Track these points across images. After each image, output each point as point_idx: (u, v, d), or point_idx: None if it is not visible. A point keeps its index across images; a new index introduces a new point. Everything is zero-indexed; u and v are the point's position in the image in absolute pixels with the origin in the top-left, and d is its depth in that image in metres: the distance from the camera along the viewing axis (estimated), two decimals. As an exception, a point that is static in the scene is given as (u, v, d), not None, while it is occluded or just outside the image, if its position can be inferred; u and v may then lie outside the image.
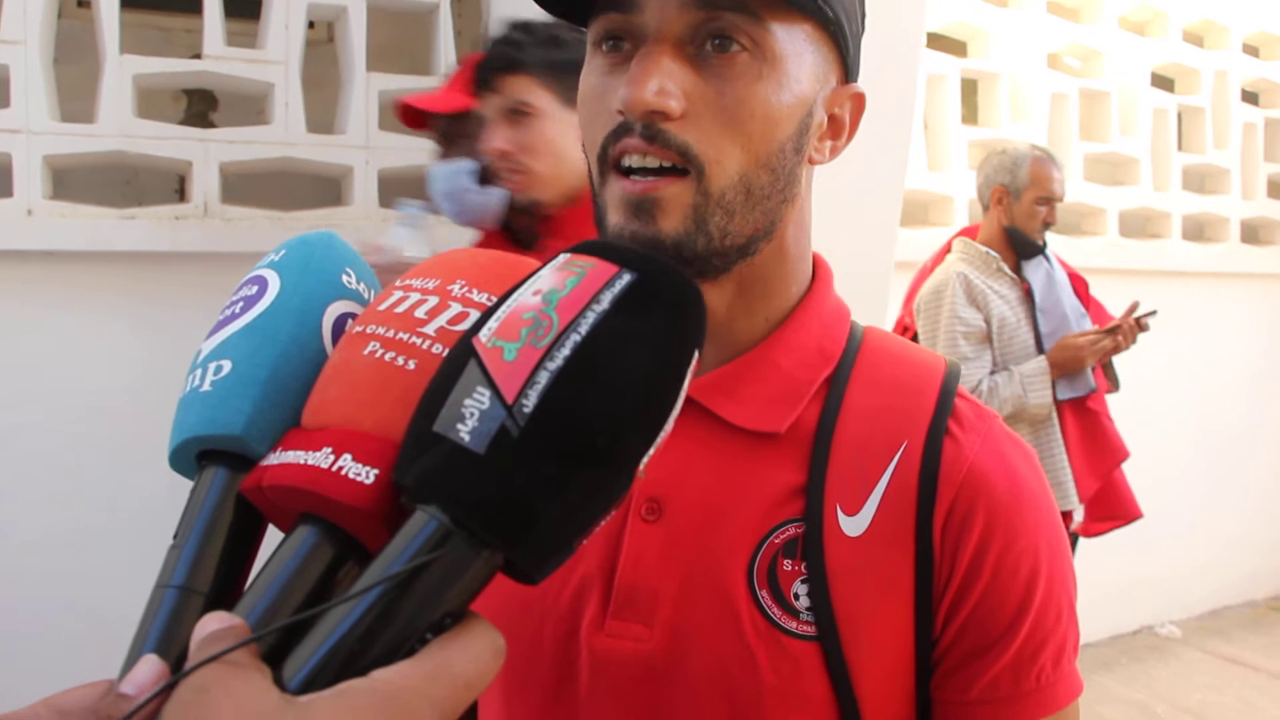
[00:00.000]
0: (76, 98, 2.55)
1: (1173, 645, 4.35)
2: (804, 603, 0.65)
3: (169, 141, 2.51)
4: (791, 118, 0.66)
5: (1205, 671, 4.08)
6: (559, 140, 1.65)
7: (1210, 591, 4.73)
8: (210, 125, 2.85)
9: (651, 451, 0.44)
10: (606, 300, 0.44)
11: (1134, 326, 2.78)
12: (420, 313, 0.49)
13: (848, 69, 0.71)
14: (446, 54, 2.80)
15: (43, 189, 2.39)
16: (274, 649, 0.41)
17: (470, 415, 0.42)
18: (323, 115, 2.75)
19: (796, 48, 0.65)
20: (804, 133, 0.68)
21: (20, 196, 2.36)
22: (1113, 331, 2.76)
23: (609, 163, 0.66)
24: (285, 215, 2.60)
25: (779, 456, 0.69)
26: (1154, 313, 2.81)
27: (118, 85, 2.45)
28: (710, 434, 0.69)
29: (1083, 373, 2.78)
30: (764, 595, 0.66)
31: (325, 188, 2.88)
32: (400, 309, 0.50)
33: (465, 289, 0.50)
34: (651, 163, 0.63)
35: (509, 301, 0.46)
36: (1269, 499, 4.89)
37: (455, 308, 0.49)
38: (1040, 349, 2.80)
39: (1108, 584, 3.98)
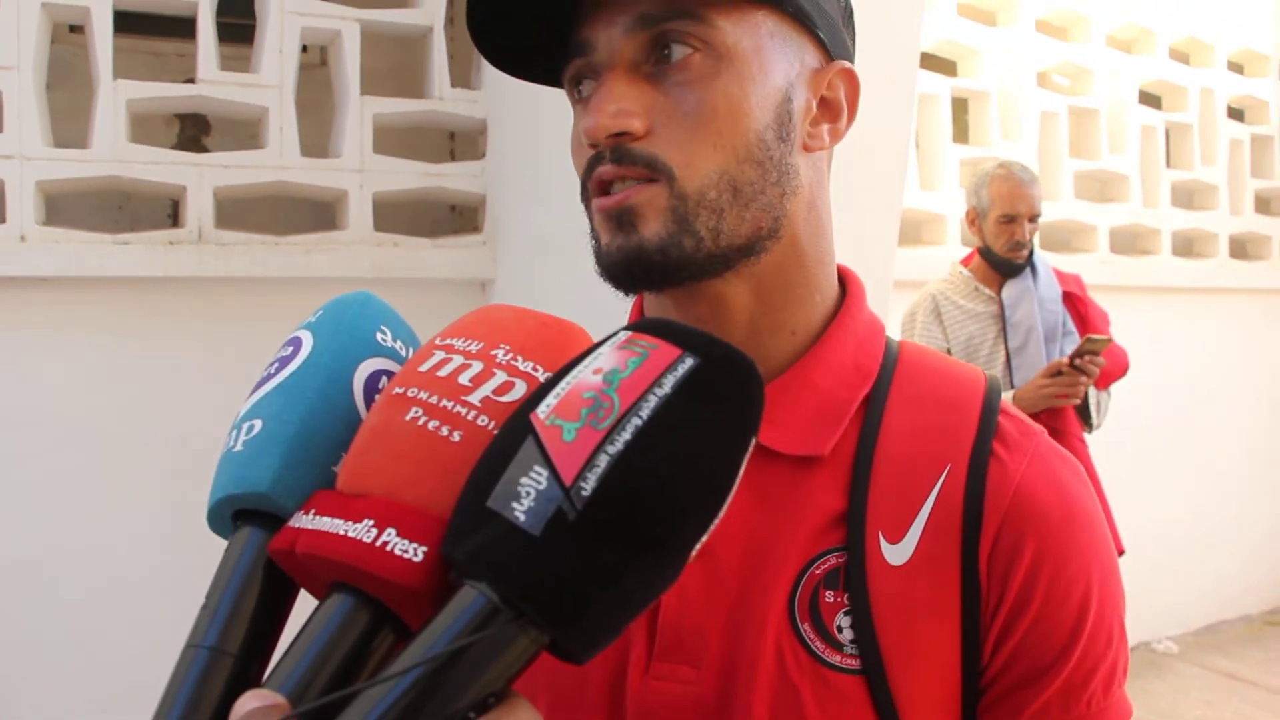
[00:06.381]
0: (69, 123, 2.54)
1: (1170, 661, 4.35)
2: (847, 635, 0.63)
3: (162, 166, 2.51)
4: (762, 106, 0.64)
5: (1203, 687, 4.08)
6: None
7: (1206, 607, 4.73)
8: (203, 150, 2.84)
9: (705, 537, 0.44)
10: (669, 385, 0.43)
11: (1074, 373, 2.65)
12: (464, 379, 0.48)
13: (829, 48, 0.69)
14: (440, 77, 2.81)
15: (35, 214, 2.38)
16: None
17: (526, 494, 0.41)
18: (317, 139, 2.75)
19: (754, 38, 0.64)
20: (785, 120, 0.66)
21: (13, 222, 2.34)
22: (1058, 375, 2.66)
23: (591, 195, 0.66)
24: (280, 240, 2.59)
25: (819, 481, 0.67)
26: (1097, 345, 2.64)
27: (111, 110, 2.44)
28: (751, 463, 0.67)
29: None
30: (806, 629, 0.64)
31: (320, 212, 2.88)
32: (442, 373, 0.49)
33: (510, 355, 0.50)
34: (628, 184, 0.63)
35: (568, 378, 0.45)
36: (1262, 514, 4.90)
37: (500, 376, 0.49)
38: (1010, 366, 2.80)
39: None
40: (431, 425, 0.47)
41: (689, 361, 0.44)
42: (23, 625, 2.35)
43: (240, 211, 2.74)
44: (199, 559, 0.50)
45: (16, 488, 2.36)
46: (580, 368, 0.46)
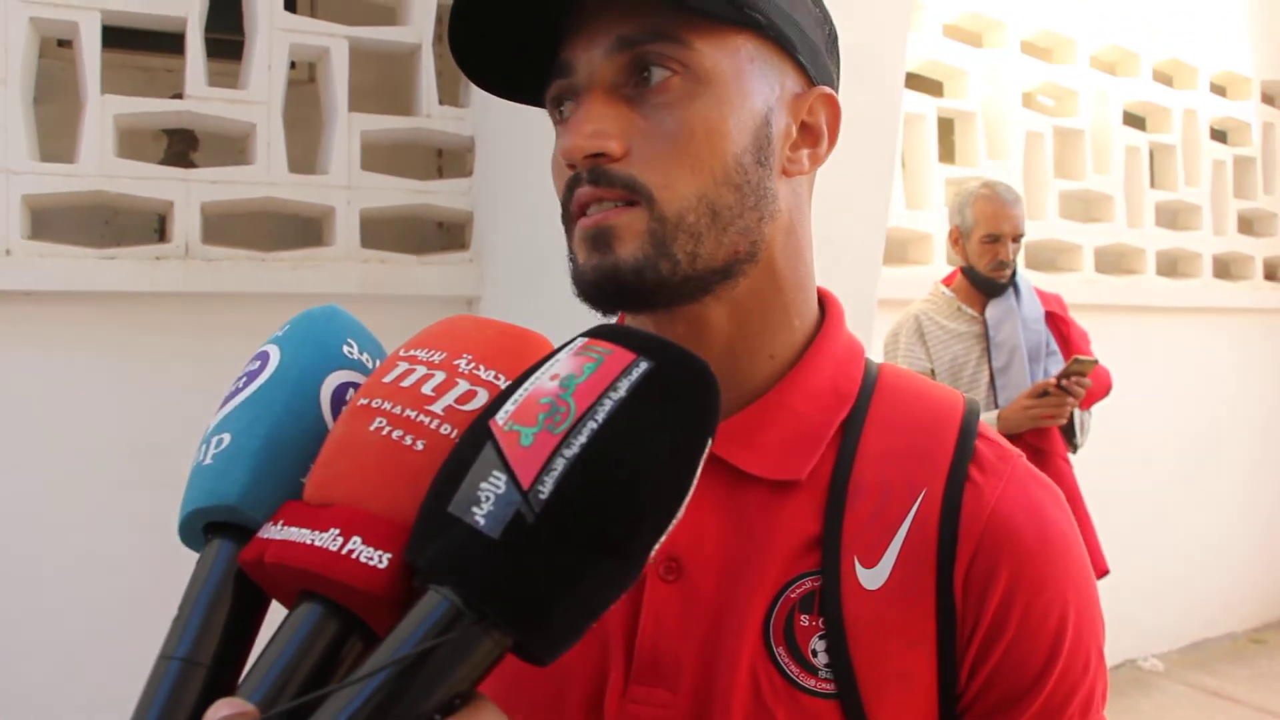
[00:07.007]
0: (56, 137, 2.54)
1: (1156, 679, 4.35)
2: (822, 659, 0.63)
3: (150, 181, 2.51)
4: (741, 129, 0.64)
5: (1188, 705, 4.08)
6: None
7: (1192, 625, 4.74)
8: (191, 165, 2.84)
9: (663, 539, 0.45)
10: (624, 388, 0.44)
11: (1060, 394, 2.64)
12: (427, 389, 0.49)
13: (810, 73, 0.69)
14: (428, 94, 2.81)
15: (22, 229, 2.37)
16: None
17: (486, 499, 0.42)
18: (304, 155, 2.75)
19: (734, 62, 0.64)
20: (764, 144, 0.66)
21: (-1, 237, 2.34)
22: (1044, 396, 2.66)
23: (572, 217, 0.66)
24: (267, 255, 2.59)
25: (795, 505, 0.66)
26: (1084, 367, 2.63)
27: (98, 125, 2.44)
28: (727, 486, 0.67)
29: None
30: (781, 652, 0.64)
31: (307, 228, 2.88)
32: (406, 383, 0.50)
33: (472, 365, 0.51)
34: (606, 206, 0.63)
35: (526, 384, 0.46)
36: (1247, 531, 4.92)
37: (463, 385, 0.50)
38: (994, 386, 2.81)
39: (1090, 618, 3.98)
40: (395, 435, 0.48)
41: (643, 365, 0.45)
42: (3, 635, 2.33)
43: (227, 227, 2.73)
44: (183, 572, 0.50)
45: (0, 500, 2.35)
46: (538, 374, 0.47)
